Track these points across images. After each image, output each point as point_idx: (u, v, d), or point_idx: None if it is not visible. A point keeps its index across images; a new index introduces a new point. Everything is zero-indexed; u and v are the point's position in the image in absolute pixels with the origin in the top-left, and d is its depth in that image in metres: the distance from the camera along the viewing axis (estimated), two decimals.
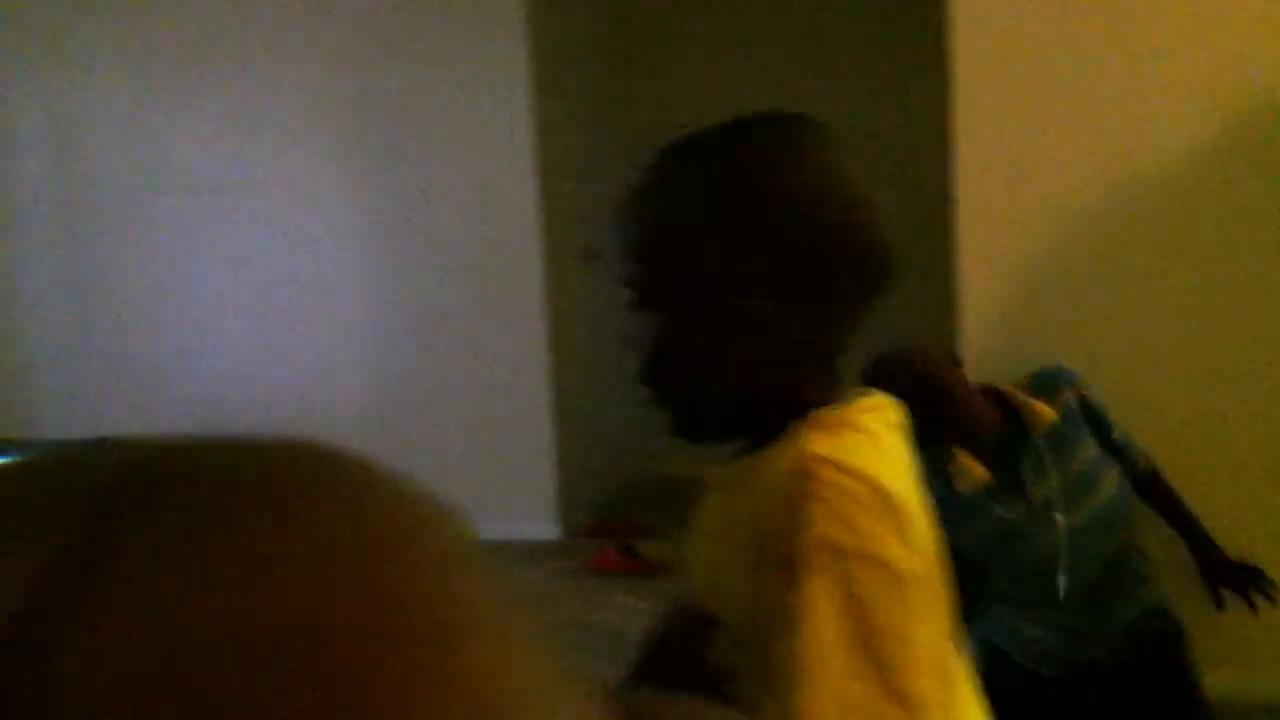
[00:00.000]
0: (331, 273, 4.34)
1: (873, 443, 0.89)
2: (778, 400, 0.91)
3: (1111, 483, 2.24)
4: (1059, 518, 2.25)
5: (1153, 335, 2.69)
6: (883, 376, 2.19)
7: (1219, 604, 2.39)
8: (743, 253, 0.89)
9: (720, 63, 5.15)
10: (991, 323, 2.77)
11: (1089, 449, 2.24)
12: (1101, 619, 2.29)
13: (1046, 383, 2.31)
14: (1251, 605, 2.38)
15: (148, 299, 4.54)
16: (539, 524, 4.16)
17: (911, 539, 0.81)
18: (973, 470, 2.24)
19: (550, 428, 4.17)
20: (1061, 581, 2.25)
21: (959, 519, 2.24)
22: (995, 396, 2.28)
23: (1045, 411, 2.23)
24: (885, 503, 0.81)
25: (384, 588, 0.16)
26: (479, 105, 4.10)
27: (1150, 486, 2.38)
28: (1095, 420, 2.29)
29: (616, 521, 4.25)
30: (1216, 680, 2.39)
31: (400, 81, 4.17)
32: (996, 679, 2.21)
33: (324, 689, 0.15)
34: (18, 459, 0.18)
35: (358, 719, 0.14)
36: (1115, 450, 2.30)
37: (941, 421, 2.23)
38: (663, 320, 0.92)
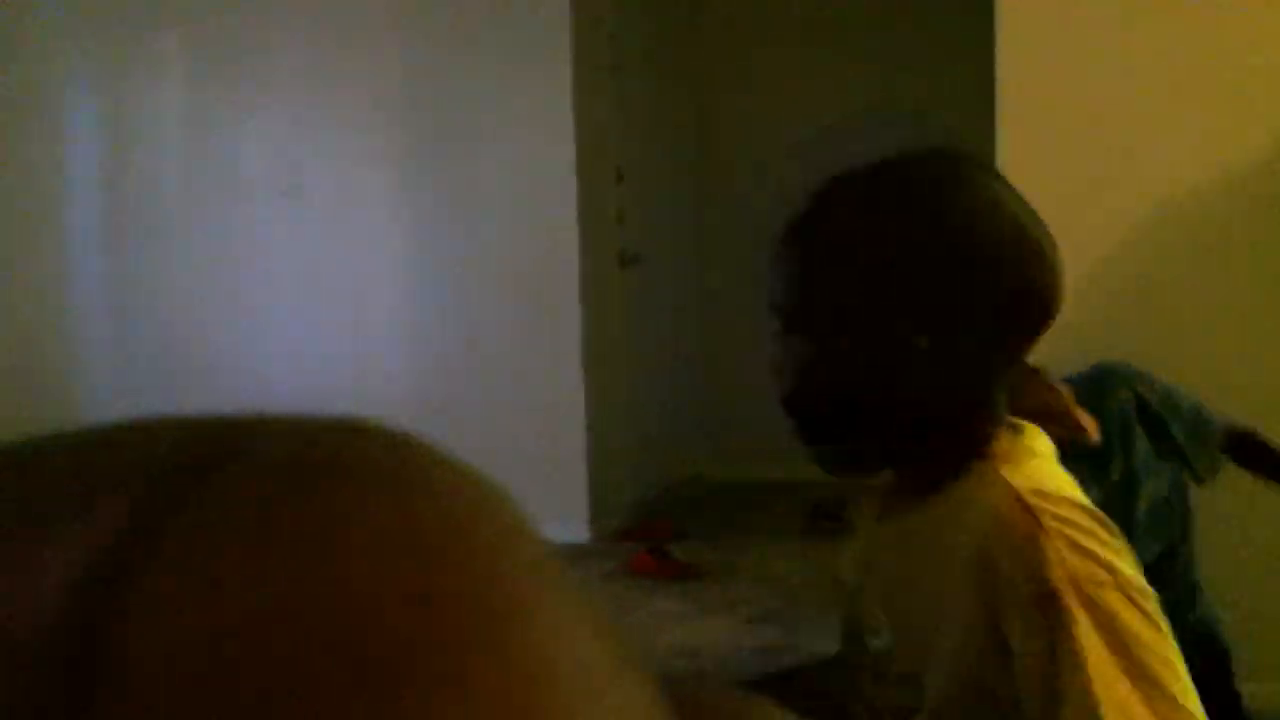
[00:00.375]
0: (374, 277, 4.38)
1: (1052, 466, 0.91)
2: (949, 434, 0.91)
3: (1159, 486, 2.18)
4: None
5: (1196, 353, 2.66)
6: None
7: None
8: (915, 286, 0.89)
9: (766, 72, 5.15)
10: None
11: (1136, 455, 2.18)
12: None
13: (1102, 381, 2.23)
14: None
15: (193, 299, 4.59)
16: (572, 526, 4.18)
17: (1125, 553, 0.83)
18: None
19: (584, 430, 4.18)
20: None
21: None
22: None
23: (1088, 428, 2.16)
24: (1101, 523, 0.84)
25: (444, 564, 0.16)
26: (523, 109, 4.13)
27: (1241, 449, 2.27)
28: (1154, 421, 2.21)
29: (650, 525, 4.25)
30: (1257, 692, 2.36)
31: (447, 85, 4.21)
32: None
33: (381, 665, 0.15)
34: (76, 432, 0.18)
35: (415, 695, 0.15)
36: (1176, 450, 2.22)
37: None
38: (824, 350, 0.92)
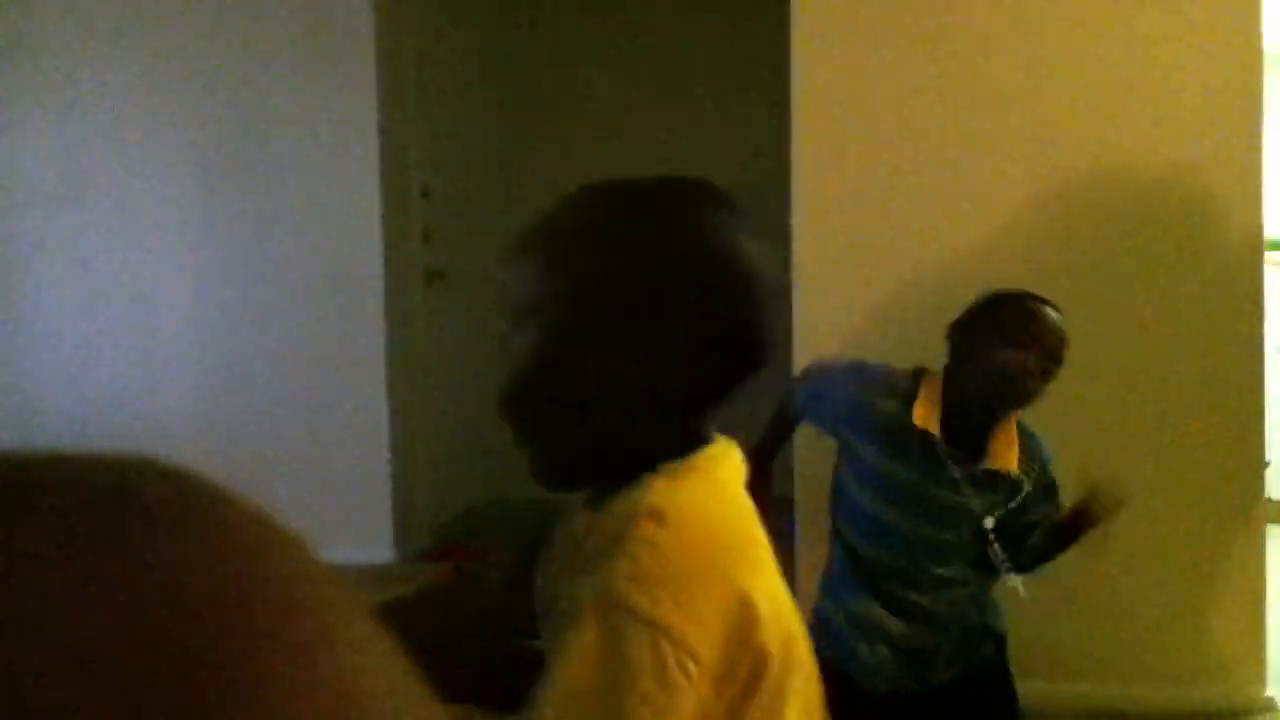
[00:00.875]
0: (163, 288, 4.19)
1: (717, 487, 0.91)
2: (633, 454, 0.91)
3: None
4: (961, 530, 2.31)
5: None
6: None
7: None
8: (632, 307, 0.89)
9: (575, 93, 5.20)
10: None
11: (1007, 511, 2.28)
12: (940, 642, 2.37)
13: (1032, 444, 2.34)
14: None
15: None
16: (376, 548, 4.09)
17: (692, 605, 0.81)
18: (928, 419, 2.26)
19: (388, 450, 4.11)
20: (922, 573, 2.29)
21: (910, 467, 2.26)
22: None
23: (1011, 463, 2.26)
24: (708, 557, 0.83)
25: (241, 599, 0.16)
26: (325, 120, 4.04)
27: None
28: (1043, 503, 2.32)
29: (455, 545, 4.21)
30: (1028, 689, 2.52)
31: (244, 91, 4.07)
32: (832, 696, 2.25)
33: (181, 701, 0.15)
34: None
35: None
36: (1034, 525, 2.33)
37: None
38: (537, 354, 0.92)
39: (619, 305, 0.89)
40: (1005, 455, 2.29)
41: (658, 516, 0.84)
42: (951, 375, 2.28)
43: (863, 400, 2.33)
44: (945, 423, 2.26)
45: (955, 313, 2.27)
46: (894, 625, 2.35)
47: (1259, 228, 2.82)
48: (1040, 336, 2.18)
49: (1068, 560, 2.44)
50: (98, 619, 0.15)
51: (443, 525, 4.49)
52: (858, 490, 2.35)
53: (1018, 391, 2.20)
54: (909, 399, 2.28)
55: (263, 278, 4.11)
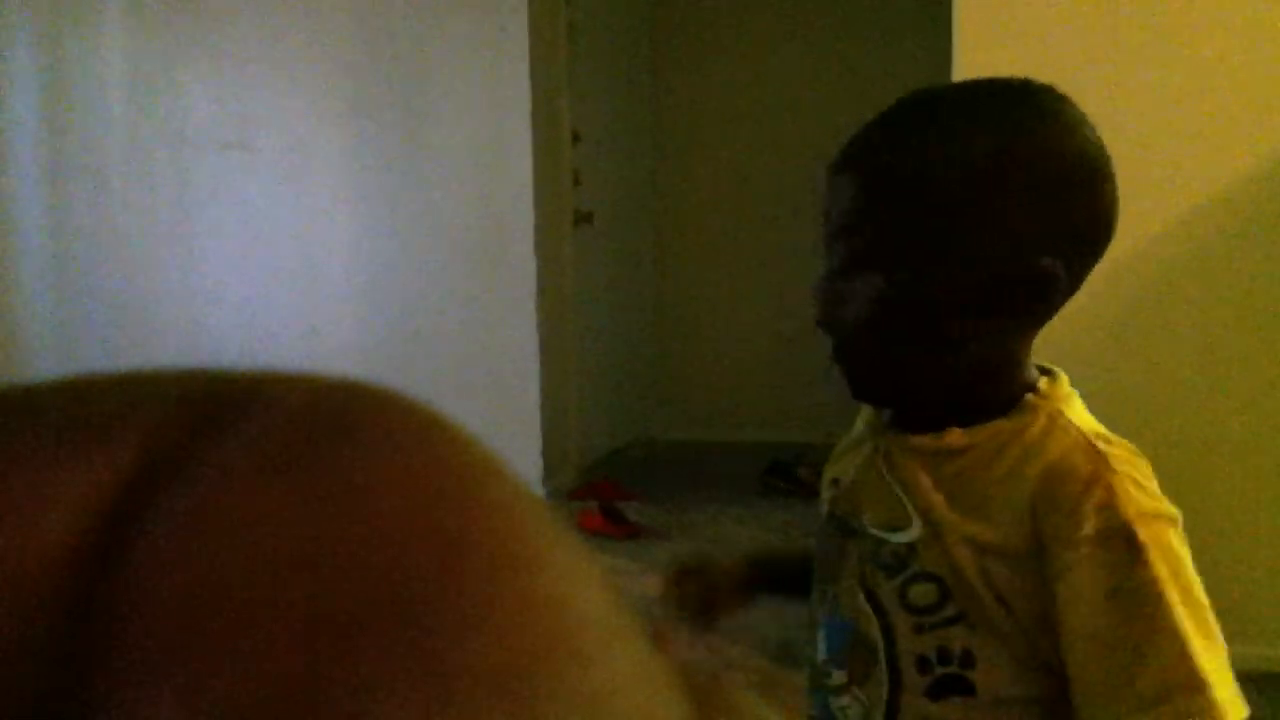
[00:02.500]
0: (326, 233, 4.34)
1: (1082, 405, 0.91)
2: (1009, 371, 0.90)
3: None
4: None
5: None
6: None
7: None
8: (1037, 212, 0.84)
9: (723, 36, 5.16)
10: None
11: None
12: None
13: None
14: None
15: (139, 253, 4.54)
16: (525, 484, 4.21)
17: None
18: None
19: (538, 389, 4.20)
20: None
21: None
22: None
23: None
24: (1144, 461, 0.85)
25: (467, 512, 0.16)
26: (478, 69, 4.10)
27: None
28: None
29: (602, 484, 4.29)
30: None
31: (401, 44, 4.17)
32: None
33: (413, 607, 0.15)
34: (78, 377, 0.18)
35: (447, 636, 0.15)
36: None
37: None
38: (901, 281, 0.86)
39: (1034, 207, 0.84)
40: None
41: (1104, 438, 0.85)
42: None
43: None
44: None
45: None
46: None
47: None
48: None
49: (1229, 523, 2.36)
50: (305, 534, 0.15)
51: (590, 466, 4.58)
52: None
53: None
54: None
55: (419, 221, 4.23)
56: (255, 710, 0.14)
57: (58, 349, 4.61)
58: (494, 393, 4.21)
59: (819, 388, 5.09)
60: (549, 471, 4.28)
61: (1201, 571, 0.82)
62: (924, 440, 0.90)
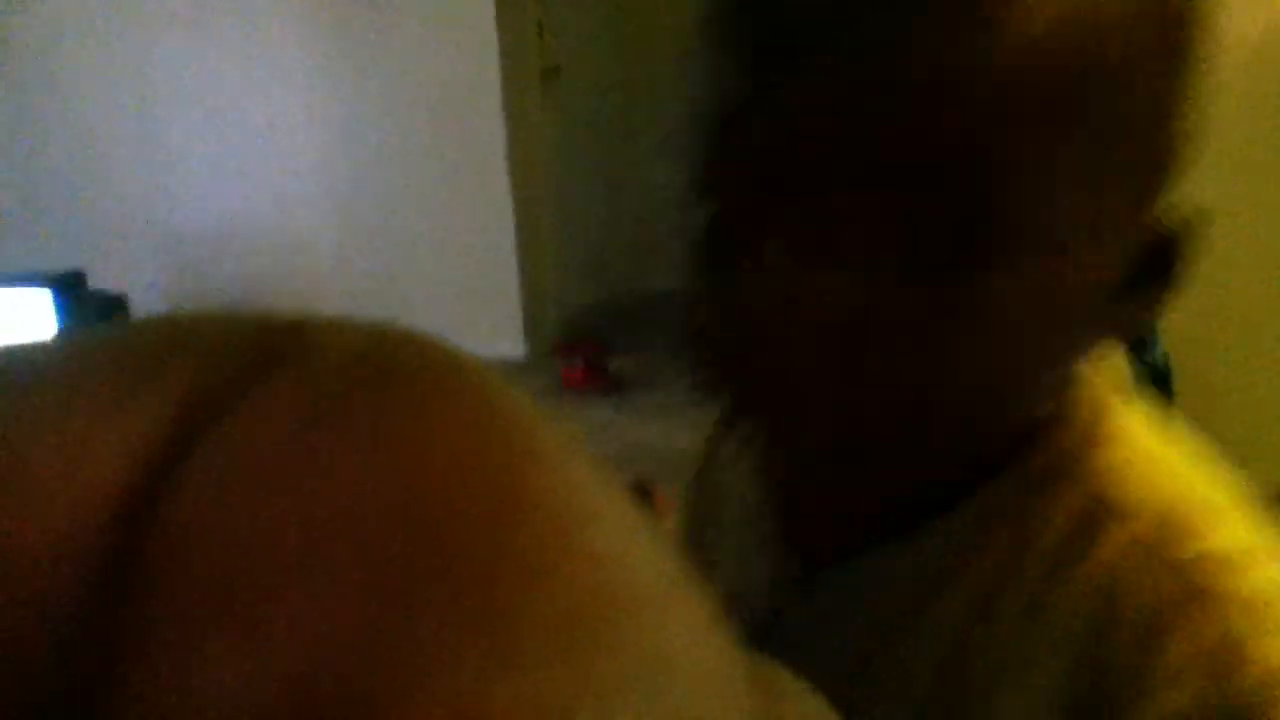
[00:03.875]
0: (286, 100, 4.26)
1: (1164, 443, 0.49)
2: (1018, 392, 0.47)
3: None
4: None
5: None
6: None
7: None
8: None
9: None
10: None
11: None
12: None
13: None
14: None
15: (98, 137, 4.46)
16: (507, 342, 4.24)
17: None
18: None
19: (514, 246, 4.20)
20: None
21: None
22: None
23: None
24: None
25: (514, 470, 0.16)
26: None
27: None
28: None
29: (583, 338, 4.33)
30: None
31: None
32: None
33: (460, 562, 0.14)
34: (122, 325, 0.17)
35: (495, 597, 0.14)
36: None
37: None
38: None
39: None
40: None
41: (1200, 512, 0.46)
42: None
43: None
44: None
45: None
46: None
47: None
48: None
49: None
50: (356, 483, 0.15)
51: (571, 319, 4.61)
52: None
53: None
54: None
55: (382, 84, 4.15)
56: (317, 662, 0.13)
57: (20, 237, 4.56)
58: (471, 252, 4.20)
59: None
60: (530, 328, 4.31)
61: None
62: (840, 572, 0.53)
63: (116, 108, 4.42)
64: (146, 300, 4.10)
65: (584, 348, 4.16)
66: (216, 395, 0.15)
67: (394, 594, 0.14)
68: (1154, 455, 0.48)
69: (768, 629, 0.54)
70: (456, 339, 0.18)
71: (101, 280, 2.89)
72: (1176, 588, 0.43)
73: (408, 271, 4.23)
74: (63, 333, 0.17)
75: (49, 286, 2.45)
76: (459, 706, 0.13)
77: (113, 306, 2.60)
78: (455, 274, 4.22)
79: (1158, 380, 2.25)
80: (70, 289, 2.49)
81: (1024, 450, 0.49)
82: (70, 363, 0.16)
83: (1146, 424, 0.50)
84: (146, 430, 0.15)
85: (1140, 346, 2.22)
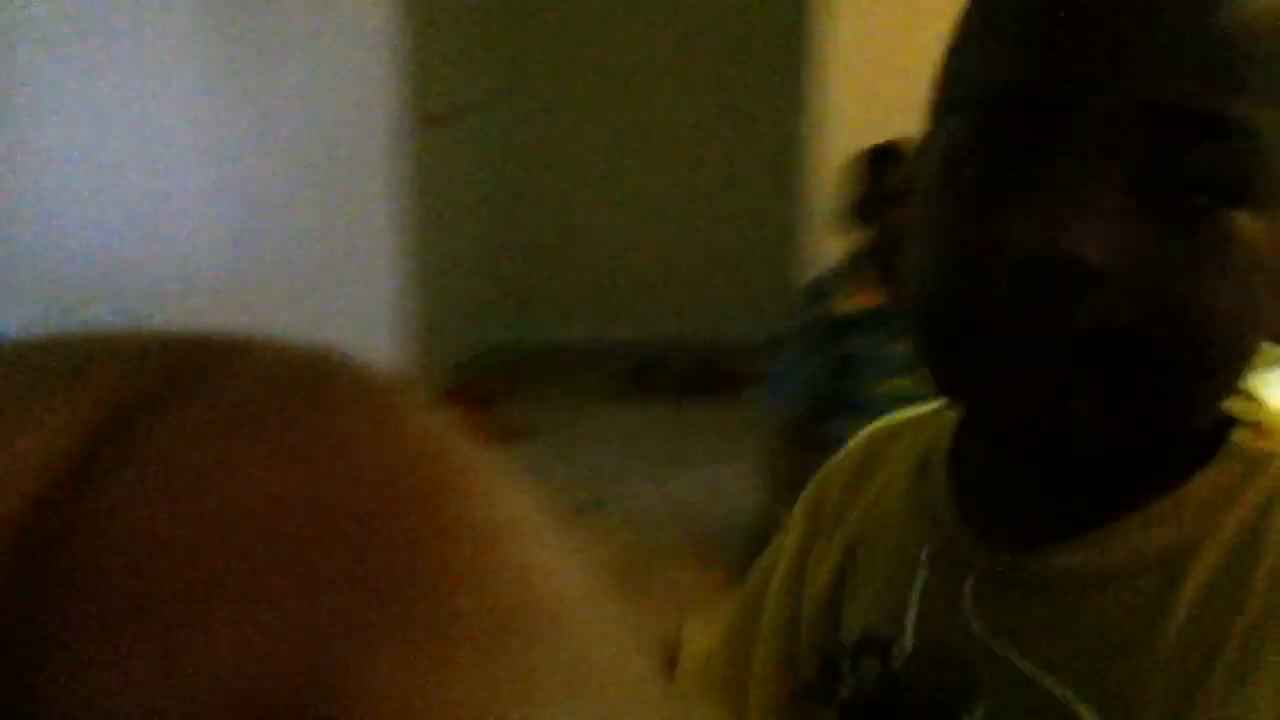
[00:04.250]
0: (172, 114, 4.16)
1: None
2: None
3: None
4: (900, 381, 2.43)
5: None
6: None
7: None
8: None
9: None
10: None
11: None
12: None
13: None
14: None
15: None
16: None
17: None
18: (866, 288, 2.41)
19: (399, 293, 4.16)
20: None
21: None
22: None
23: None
24: None
25: (436, 483, 0.16)
26: None
27: None
28: None
29: (468, 387, 4.29)
30: None
31: None
32: None
33: (394, 566, 0.14)
34: (36, 337, 0.17)
35: (431, 601, 0.14)
36: None
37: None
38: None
39: None
40: None
41: None
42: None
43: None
44: (886, 282, 2.48)
45: None
46: None
47: None
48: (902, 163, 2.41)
49: None
50: (285, 488, 0.14)
51: (456, 369, 4.56)
52: None
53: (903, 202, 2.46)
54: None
55: (270, 109, 4.08)
56: (238, 674, 0.13)
57: None
58: (355, 298, 4.14)
59: (685, 287, 5.16)
60: (415, 377, 4.25)
61: None
62: (1082, 555, 0.50)
63: None
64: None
65: (471, 397, 4.13)
66: (138, 406, 0.15)
67: (317, 604, 0.14)
68: None
69: (965, 629, 0.52)
70: None
71: None
72: None
73: (288, 316, 4.14)
74: None
75: None
76: (393, 710, 0.13)
77: None
78: (339, 318, 4.15)
79: None
80: None
81: (1225, 429, 0.50)
82: None
83: None
84: (61, 442, 0.15)
85: None
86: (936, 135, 0.49)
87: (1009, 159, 0.45)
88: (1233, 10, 0.43)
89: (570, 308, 5.24)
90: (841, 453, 0.66)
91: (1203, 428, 0.49)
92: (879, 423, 0.65)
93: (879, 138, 2.57)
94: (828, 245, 2.59)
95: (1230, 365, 0.46)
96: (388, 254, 4.11)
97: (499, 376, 4.49)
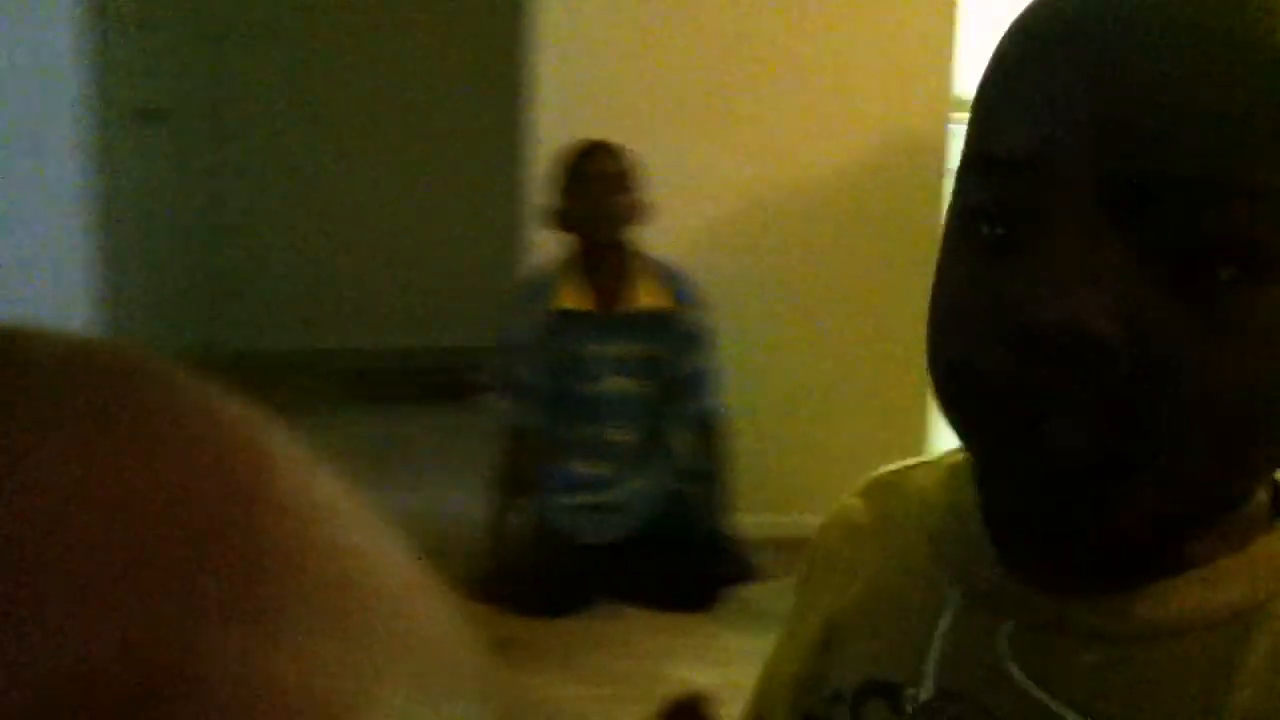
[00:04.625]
0: None
1: None
2: None
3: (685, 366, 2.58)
4: (621, 380, 2.56)
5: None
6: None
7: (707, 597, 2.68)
8: None
9: None
10: None
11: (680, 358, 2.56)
12: (630, 492, 2.66)
13: (681, 283, 2.62)
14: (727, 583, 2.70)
15: None
16: None
17: None
18: (577, 291, 2.49)
19: (94, 298, 3.92)
20: (603, 434, 2.58)
21: (547, 340, 2.54)
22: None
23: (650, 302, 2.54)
24: None
25: (257, 469, 0.16)
26: None
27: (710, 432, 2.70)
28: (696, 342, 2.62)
29: None
30: (743, 521, 2.80)
31: None
32: (546, 550, 2.54)
33: (223, 553, 0.15)
34: None
35: (261, 583, 0.15)
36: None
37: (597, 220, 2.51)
38: None
39: None
40: (644, 296, 2.65)
41: None
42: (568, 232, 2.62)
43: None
44: (594, 288, 2.61)
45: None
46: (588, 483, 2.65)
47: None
48: (598, 170, 2.55)
49: (773, 401, 2.70)
50: (108, 482, 0.15)
51: None
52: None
53: (599, 214, 2.54)
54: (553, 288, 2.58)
55: None
56: (87, 648, 0.13)
57: None
58: (44, 300, 3.86)
59: (407, 293, 5.09)
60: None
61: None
62: (1146, 606, 0.49)
63: None
64: None
65: None
66: None
67: (153, 587, 0.14)
68: None
69: (999, 674, 0.50)
70: None
71: None
72: None
73: None
74: None
75: None
76: (242, 682, 0.13)
77: None
78: (28, 318, 3.85)
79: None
80: None
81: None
82: None
83: None
84: None
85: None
86: (957, 191, 0.49)
87: (1020, 221, 0.45)
88: (1248, 77, 0.43)
89: (279, 314, 5.07)
90: (837, 507, 0.64)
91: (1252, 491, 0.49)
92: (874, 475, 0.64)
93: (594, 135, 2.66)
94: (549, 246, 2.67)
95: (1261, 442, 0.46)
96: (84, 253, 3.86)
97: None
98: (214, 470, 0.15)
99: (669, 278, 2.65)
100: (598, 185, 2.55)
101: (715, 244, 2.99)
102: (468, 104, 4.94)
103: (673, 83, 2.95)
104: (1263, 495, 0.50)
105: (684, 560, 2.66)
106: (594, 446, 2.63)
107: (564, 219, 2.59)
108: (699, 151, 2.96)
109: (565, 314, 2.58)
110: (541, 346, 2.58)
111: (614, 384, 2.61)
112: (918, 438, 3.12)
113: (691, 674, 2.31)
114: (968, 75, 2.97)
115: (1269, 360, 0.44)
